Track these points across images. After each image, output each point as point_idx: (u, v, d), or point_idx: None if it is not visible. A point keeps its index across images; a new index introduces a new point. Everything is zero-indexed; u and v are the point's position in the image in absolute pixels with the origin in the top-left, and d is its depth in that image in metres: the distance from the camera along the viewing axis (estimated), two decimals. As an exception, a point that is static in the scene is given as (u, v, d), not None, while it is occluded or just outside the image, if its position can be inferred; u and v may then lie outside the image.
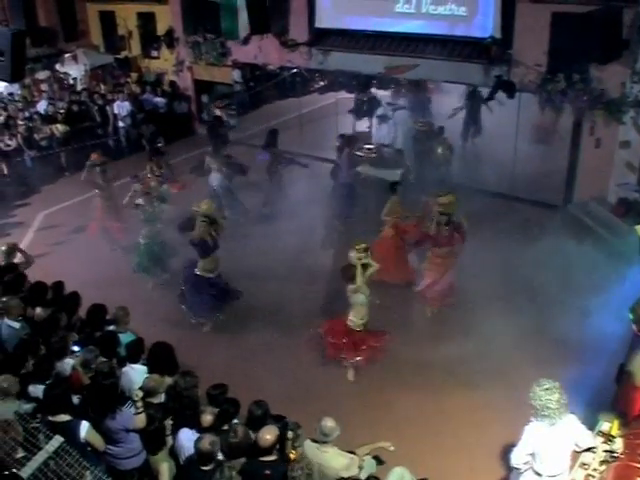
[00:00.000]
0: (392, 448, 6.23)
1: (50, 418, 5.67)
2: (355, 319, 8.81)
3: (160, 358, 6.84)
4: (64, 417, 5.72)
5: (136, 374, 6.72)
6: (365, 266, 8.59)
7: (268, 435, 5.42)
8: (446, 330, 9.71)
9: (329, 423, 5.60)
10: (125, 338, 7.42)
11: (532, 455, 5.55)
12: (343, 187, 13.02)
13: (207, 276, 9.73)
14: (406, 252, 11.16)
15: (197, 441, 5.35)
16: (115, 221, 12.44)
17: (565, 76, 12.22)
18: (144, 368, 6.81)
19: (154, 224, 11.02)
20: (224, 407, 5.97)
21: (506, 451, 7.17)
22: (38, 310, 7.81)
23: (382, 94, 18.94)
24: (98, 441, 5.83)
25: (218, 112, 18.41)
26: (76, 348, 7.06)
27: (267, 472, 5.33)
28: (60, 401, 5.78)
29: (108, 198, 12.44)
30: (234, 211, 12.97)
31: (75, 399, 6.15)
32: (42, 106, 17.56)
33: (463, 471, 7.19)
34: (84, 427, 5.69)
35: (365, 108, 19.17)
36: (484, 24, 13.33)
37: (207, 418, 5.78)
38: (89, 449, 5.74)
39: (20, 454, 4.89)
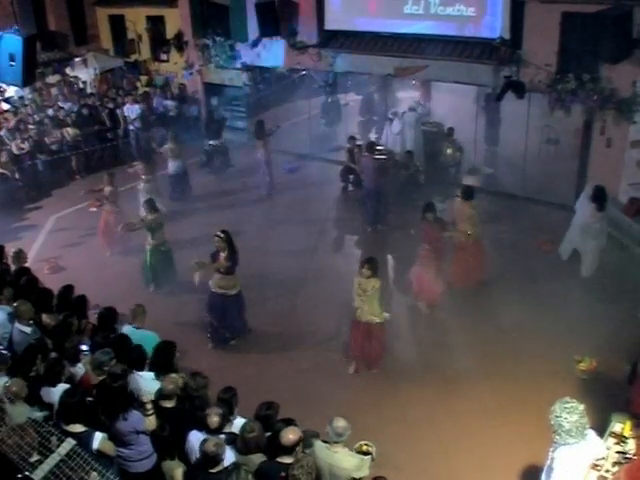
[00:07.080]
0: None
1: (64, 427, 5.59)
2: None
3: (163, 357, 6.85)
4: (78, 427, 5.66)
5: (144, 382, 6.65)
6: None
7: (291, 435, 5.35)
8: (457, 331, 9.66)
9: (340, 423, 5.56)
10: (141, 335, 7.43)
11: None
12: (370, 194, 12.97)
13: (231, 293, 9.52)
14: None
15: (202, 444, 5.32)
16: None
17: (575, 76, 12.17)
18: (151, 374, 6.78)
19: (158, 231, 10.73)
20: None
21: (515, 452, 7.18)
22: (44, 317, 7.80)
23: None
24: (110, 449, 5.81)
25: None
26: (84, 347, 7.04)
27: (283, 474, 5.24)
28: (74, 411, 5.72)
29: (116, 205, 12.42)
30: (182, 195, 14.87)
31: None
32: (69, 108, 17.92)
33: (472, 471, 7.15)
34: (97, 439, 5.64)
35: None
36: (493, 24, 13.30)
37: (214, 419, 5.74)
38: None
39: (35, 458, 4.89)
